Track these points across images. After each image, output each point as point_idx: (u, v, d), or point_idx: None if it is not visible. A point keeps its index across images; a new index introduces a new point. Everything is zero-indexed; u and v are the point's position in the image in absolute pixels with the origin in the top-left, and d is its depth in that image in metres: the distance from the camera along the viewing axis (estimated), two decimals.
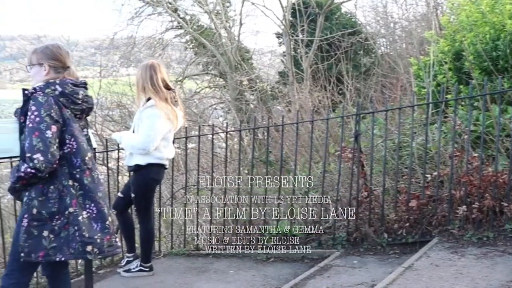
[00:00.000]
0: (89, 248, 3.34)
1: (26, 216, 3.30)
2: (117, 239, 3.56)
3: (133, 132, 5.06)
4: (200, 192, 6.47)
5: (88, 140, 3.59)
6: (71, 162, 3.36)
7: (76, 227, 3.31)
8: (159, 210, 6.13)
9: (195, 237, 6.41)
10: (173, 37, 16.67)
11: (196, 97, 15.84)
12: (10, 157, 4.28)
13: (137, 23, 15.79)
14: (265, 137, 7.18)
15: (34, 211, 3.29)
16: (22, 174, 3.22)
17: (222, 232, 6.32)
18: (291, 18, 14.63)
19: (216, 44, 14.95)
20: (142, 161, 4.96)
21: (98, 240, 3.38)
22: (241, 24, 15.48)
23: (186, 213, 6.41)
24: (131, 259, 5.46)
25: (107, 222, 3.45)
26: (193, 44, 16.53)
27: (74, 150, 3.37)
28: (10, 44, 17.81)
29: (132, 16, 15.73)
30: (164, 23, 16.15)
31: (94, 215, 3.40)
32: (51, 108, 3.27)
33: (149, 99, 4.97)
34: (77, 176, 3.36)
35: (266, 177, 6.09)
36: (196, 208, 6.41)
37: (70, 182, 3.34)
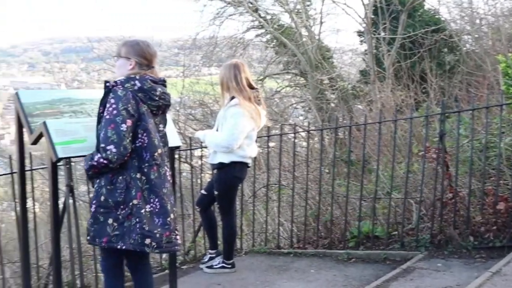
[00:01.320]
0: (147, 241, 3.42)
1: (94, 202, 3.46)
2: (178, 237, 3.61)
3: (217, 130, 5.16)
4: (281, 190, 6.50)
5: (163, 136, 3.67)
6: (141, 156, 3.45)
7: (137, 219, 3.39)
8: (241, 208, 6.21)
9: (276, 236, 6.45)
10: (254, 37, 16.79)
11: (277, 96, 15.89)
12: (84, 156, 4.41)
13: (219, 23, 16.00)
14: (347, 137, 7.13)
15: (102, 198, 3.42)
16: (95, 163, 3.36)
17: (303, 231, 6.34)
18: (372, 16, 14.43)
19: (296, 43, 14.94)
20: (226, 159, 5.05)
21: (158, 235, 3.45)
22: (321, 22, 15.40)
23: (268, 211, 6.47)
24: (214, 255, 5.56)
25: (169, 219, 3.51)
26: (273, 43, 16.58)
27: (145, 145, 3.45)
28: (98, 46, 18.41)
29: (214, 16, 15.95)
30: (245, 23, 16.29)
31: (156, 210, 3.47)
32: (128, 102, 3.38)
33: (233, 98, 5.05)
34: (145, 170, 3.45)
35: (348, 176, 6.06)
36: (278, 207, 6.45)
37: (138, 175, 3.43)
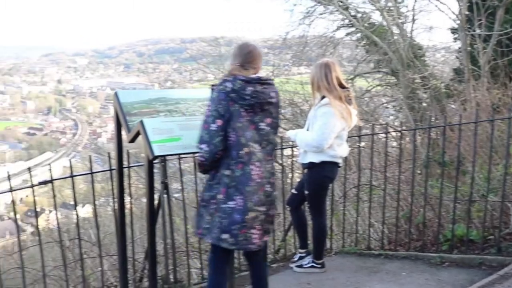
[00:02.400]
0: (224, 236, 3.60)
1: (200, 196, 3.79)
2: (255, 236, 3.67)
3: (307, 130, 5.15)
4: (372, 191, 6.41)
5: (265, 134, 3.74)
6: (229, 153, 3.62)
7: (219, 214, 3.60)
8: (331, 208, 6.17)
9: (367, 237, 6.36)
10: (344, 35, 16.61)
11: (367, 96, 15.68)
12: (193, 153, 4.52)
13: (309, 22, 15.93)
14: (440, 137, 6.94)
15: (204, 193, 3.72)
16: (198, 161, 3.66)
17: (395, 233, 6.22)
18: (467, 12, 13.92)
19: (387, 41, 14.66)
20: (316, 159, 5.03)
21: (235, 232, 3.60)
22: (413, 20, 15.02)
23: (358, 212, 6.39)
24: (304, 255, 5.55)
25: (247, 217, 3.61)
26: (364, 42, 16.35)
27: (233, 143, 3.61)
28: (190, 46, 18.82)
29: (304, 15, 15.91)
30: (335, 21, 16.14)
31: (238, 207, 3.60)
32: (219, 103, 3.57)
33: (323, 97, 5.02)
34: (232, 167, 3.61)
35: (441, 178, 5.89)
36: (368, 208, 6.36)
37: (227, 172, 3.62)
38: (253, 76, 3.72)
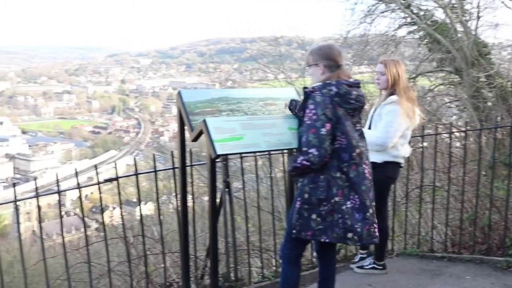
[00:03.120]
0: (349, 235, 3.68)
1: (299, 199, 3.74)
2: (376, 230, 3.80)
3: (369, 128, 5.08)
4: (435, 192, 6.27)
5: (361, 135, 3.83)
6: (340, 156, 3.67)
7: (340, 215, 3.66)
8: (393, 209, 6.06)
9: (429, 239, 6.23)
10: (406, 34, 16.30)
11: (429, 95, 15.35)
12: (254, 152, 4.54)
13: (370, 21, 15.71)
14: (506, 137, 6.73)
15: (306, 196, 3.70)
16: (298, 165, 3.65)
17: (459, 235, 6.07)
18: None
19: (451, 39, 14.31)
20: (379, 159, 4.93)
21: (359, 229, 3.69)
22: (478, 17, 14.60)
23: (421, 213, 6.27)
24: (365, 256, 5.49)
25: (368, 214, 3.73)
26: (426, 40, 16.00)
27: (343, 146, 3.67)
28: (251, 46, 18.88)
29: (365, 14, 15.71)
30: (397, 19, 15.86)
31: (357, 205, 3.69)
32: (326, 107, 3.60)
33: (390, 95, 4.94)
34: (344, 169, 3.68)
35: (508, 179, 5.70)
36: (431, 209, 6.23)
37: (338, 174, 3.67)
38: (353, 79, 3.80)
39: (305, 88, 3.77)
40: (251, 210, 6.51)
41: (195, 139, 4.02)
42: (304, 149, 3.60)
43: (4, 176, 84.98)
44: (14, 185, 4.36)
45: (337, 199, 3.65)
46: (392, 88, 4.94)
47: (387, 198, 5.25)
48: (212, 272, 4.32)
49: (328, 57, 3.80)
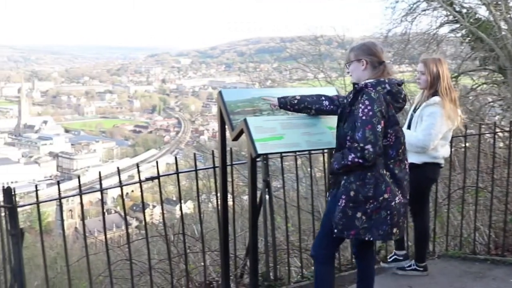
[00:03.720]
0: (395, 230, 3.69)
1: (343, 197, 3.68)
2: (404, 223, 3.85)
3: (408, 128, 4.99)
4: (478, 193, 6.15)
5: (402, 132, 3.80)
6: (387, 153, 3.65)
7: (388, 212, 3.63)
8: (434, 210, 5.97)
9: (472, 240, 6.11)
10: (448, 32, 16.06)
11: (472, 94, 15.07)
12: (295, 151, 4.52)
13: (411, 19, 15.53)
14: None
15: (352, 193, 3.64)
16: (349, 163, 3.58)
17: (502, 238, 5.94)
18: None
19: (494, 38, 14.04)
20: (418, 160, 4.85)
21: (401, 223, 3.73)
22: None
23: (463, 214, 6.15)
24: (401, 258, 5.38)
25: (407, 208, 3.90)
26: (469, 38, 15.73)
27: (392, 143, 3.66)
28: (290, 45, 18.85)
29: (406, 12, 15.53)
30: (439, 17, 15.64)
31: (401, 201, 3.70)
32: (381, 104, 3.57)
33: (432, 95, 4.83)
34: (390, 166, 3.67)
35: None
36: (474, 210, 6.11)
37: (385, 171, 3.64)
38: (399, 79, 3.81)
39: (355, 84, 3.72)
40: (291, 210, 6.51)
41: (236, 138, 4.03)
42: (361, 145, 3.50)
43: (48, 173, 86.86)
44: (58, 183, 4.43)
45: (386, 196, 3.61)
46: (433, 88, 4.84)
47: (427, 199, 5.18)
48: (251, 271, 4.33)
49: (371, 53, 3.76)
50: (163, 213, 5.17)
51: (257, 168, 4.36)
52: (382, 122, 3.54)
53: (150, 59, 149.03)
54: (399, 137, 3.69)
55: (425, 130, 4.76)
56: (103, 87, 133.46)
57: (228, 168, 4.69)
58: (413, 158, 4.83)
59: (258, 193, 4.52)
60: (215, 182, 4.98)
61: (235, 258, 5.24)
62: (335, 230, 3.72)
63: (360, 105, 3.57)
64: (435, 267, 5.49)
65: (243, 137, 4.00)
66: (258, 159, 4.09)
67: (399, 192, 3.69)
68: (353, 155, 3.54)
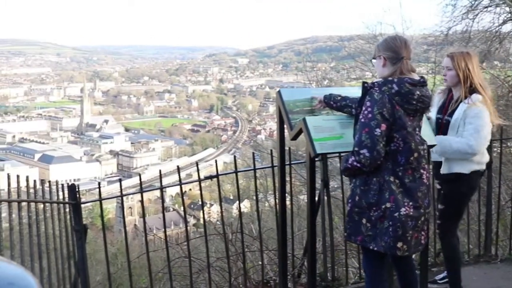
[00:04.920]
0: (399, 244, 3.40)
1: (350, 201, 3.54)
2: (424, 236, 3.56)
3: (444, 134, 4.41)
4: None
5: (420, 139, 3.54)
6: (396, 159, 3.41)
7: (390, 222, 3.37)
8: (496, 213, 5.81)
9: None
10: (511, 29, 15.61)
11: None
12: (339, 152, 4.45)
13: (472, 16, 15.16)
14: None
15: (356, 198, 3.48)
16: (349, 166, 3.41)
17: None
18: None
19: None
20: (466, 168, 4.30)
21: (409, 238, 3.42)
22: None
23: None
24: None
25: (419, 221, 3.47)
26: None
27: (400, 148, 3.41)
28: (348, 44, 18.70)
29: (467, 9, 15.17)
30: (501, 14, 15.21)
31: (410, 213, 3.40)
32: (384, 106, 3.34)
33: (470, 93, 4.27)
34: (399, 173, 3.41)
35: None
36: None
37: (392, 178, 3.40)
38: (417, 77, 3.51)
39: (364, 83, 3.51)
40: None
41: (294, 138, 4.02)
42: (356, 149, 3.34)
43: (109, 171, 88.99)
44: (120, 180, 4.55)
45: (388, 205, 3.36)
46: (464, 85, 4.28)
47: (461, 215, 4.66)
48: (309, 271, 4.30)
49: (389, 49, 3.50)
50: (221, 212, 5.21)
51: (316, 168, 4.34)
52: (384, 125, 3.31)
53: (208, 59, 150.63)
54: (408, 143, 3.41)
55: (475, 134, 4.20)
56: (162, 87, 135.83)
57: (286, 168, 4.68)
58: (457, 167, 4.33)
59: (316, 193, 4.49)
60: (273, 182, 4.98)
61: (292, 258, 5.23)
62: (345, 234, 3.61)
63: (363, 106, 3.39)
64: (497, 272, 5.35)
65: (301, 136, 3.99)
66: (316, 159, 4.07)
67: (408, 203, 3.40)
68: (352, 159, 3.37)
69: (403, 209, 3.37)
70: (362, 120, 3.35)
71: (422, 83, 3.49)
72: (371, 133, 3.30)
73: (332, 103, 3.98)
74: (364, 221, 3.45)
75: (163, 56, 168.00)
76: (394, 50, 3.49)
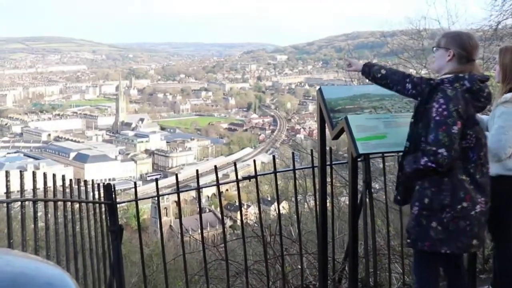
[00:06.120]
0: (474, 241, 3.40)
1: (417, 204, 3.43)
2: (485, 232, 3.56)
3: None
4: None
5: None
6: (467, 156, 3.38)
7: (468, 221, 3.34)
8: None
9: None
10: None
11: None
12: (398, 152, 4.42)
13: None
14: None
15: (426, 200, 3.39)
16: (421, 167, 3.31)
17: None
18: None
19: None
20: (491, 170, 3.86)
21: (481, 234, 3.44)
22: None
23: None
24: None
25: (487, 216, 3.47)
26: None
27: (472, 145, 3.38)
28: (391, 40, 18.54)
29: None
30: None
31: (483, 209, 3.39)
32: (458, 103, 3.29)
33: (508, 91, 4.08)
34: (471, 170, 3.38)
35: None
36: None
37: (464, 177, 3.35)
38: (484, 74, 3.51)
39: (430, 79, 3.46)
40: (391, 213, 6.37)
41: (336, 137, 4.01)
42: (433, 148, 3.24)
43: (144, 171, 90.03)
44: (156, 180, 4.58)
45: (465, 204, 3.32)
46: (504, 82, 4.11)
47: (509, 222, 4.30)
48: (350, 275, 4.28)
49: (462, 47, 3.45)
50: (260, 214, 5.19)
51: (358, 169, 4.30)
52: (459, 122, 3.26)
53: (246, 56, 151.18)
54: (480, 139, 3.41)
55: (495, 136, 4.00)
56: (198, 85, 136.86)
57: (327, 168, 4.66)
58: (497, 168, 4.07)
59: (358, 195, 4.46)
60: (313, 183, 4.96)
61: (333, 262, 5.20)
62: (408, 240, 3.51)
63: (434, 103, 3.29)
64: None
65: (343, 136, 3.96)
66: (359, 159, 4.04)
67: (481, 199, 3.38)
68: (425, 159, 3.27)
69: (478, 206, 3.37)
70: (437, 118, 3.28)
71: (487, 80, 3.49)
72: (448, 131, 3.24)
73: (371, 78, 3.86)
74: (434, 224, 3.37)
75: (200, 53, 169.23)
76: (467, 49, 3.46)
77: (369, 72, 3.85)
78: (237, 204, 5.18)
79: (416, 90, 3.58)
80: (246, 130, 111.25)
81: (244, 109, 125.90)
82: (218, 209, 5.81)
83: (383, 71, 3.78)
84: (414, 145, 3.44)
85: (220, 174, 5.10)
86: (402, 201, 3.71)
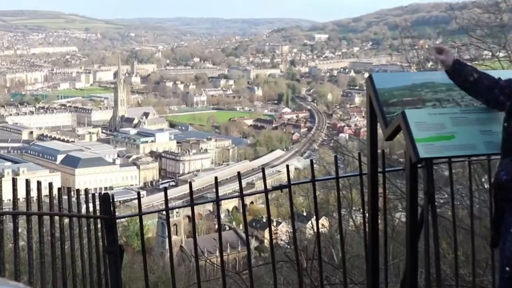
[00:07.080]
0: None
1: None
2: None
3: None
4: None
5: None
6: None
7: None
8: None
9: None
10: None
11: None
12: (469, 156, 4.39)
13: None
14: None
15: None
16: None
17: None
18: None
19: None
20: None
21: None
22: None
23: None
24: None
25: None
26: None
27: None
28: (460, 14, 18.39)
29: None
30: None
31: None
32: None
33: None
34: None
35: None
36: None
37: None
38: None
39: None
40: (460, 234, 6.34)
41: (390, 138, 3.99)
42: None
43: (149, 177, 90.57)
44: (165, 189, 4.58)
45: None
46: None
47: None
48: None
49: None
50: (294, 232, 5.20)
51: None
52: None
53: (276, 35, 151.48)
54: None
55: None
56: (217, 71, 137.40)
57: (379, 177, 4.65)
58: None
59: (419, 210, 4.44)
60: (361, 194, 4.95)
61: None
62: (507, 268, 3.42)
63: None
64: None
65: (399, 136, 3.95)
66: (419, 165, 4.02)
67: None
68: None
69: None
70: None
71: None
72: None
73: (460, 82, 3.85)
74: None
75: (218, 31, 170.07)
76: None
77: (460, 71, 3.82)
78: (264, 220, 5.12)
79: (504, 95, 3.64)
80: (276, 127, 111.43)
81: (274, 102, 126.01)
82: (241, 226, 5.80)
83: (475, 75, 3.79)
84: (509, 149, 3.43)
85: (243, 183, 5.10)
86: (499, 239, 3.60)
